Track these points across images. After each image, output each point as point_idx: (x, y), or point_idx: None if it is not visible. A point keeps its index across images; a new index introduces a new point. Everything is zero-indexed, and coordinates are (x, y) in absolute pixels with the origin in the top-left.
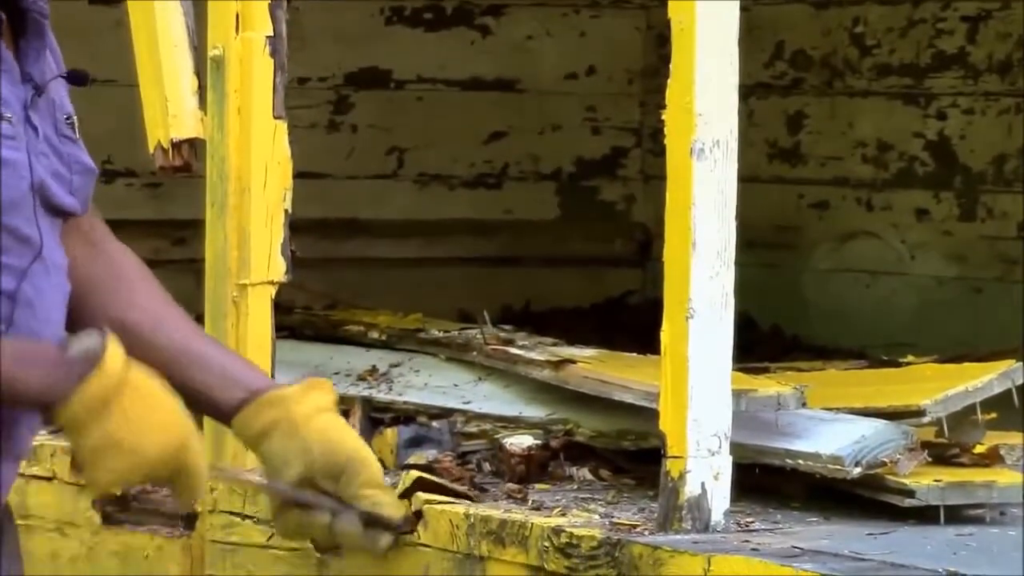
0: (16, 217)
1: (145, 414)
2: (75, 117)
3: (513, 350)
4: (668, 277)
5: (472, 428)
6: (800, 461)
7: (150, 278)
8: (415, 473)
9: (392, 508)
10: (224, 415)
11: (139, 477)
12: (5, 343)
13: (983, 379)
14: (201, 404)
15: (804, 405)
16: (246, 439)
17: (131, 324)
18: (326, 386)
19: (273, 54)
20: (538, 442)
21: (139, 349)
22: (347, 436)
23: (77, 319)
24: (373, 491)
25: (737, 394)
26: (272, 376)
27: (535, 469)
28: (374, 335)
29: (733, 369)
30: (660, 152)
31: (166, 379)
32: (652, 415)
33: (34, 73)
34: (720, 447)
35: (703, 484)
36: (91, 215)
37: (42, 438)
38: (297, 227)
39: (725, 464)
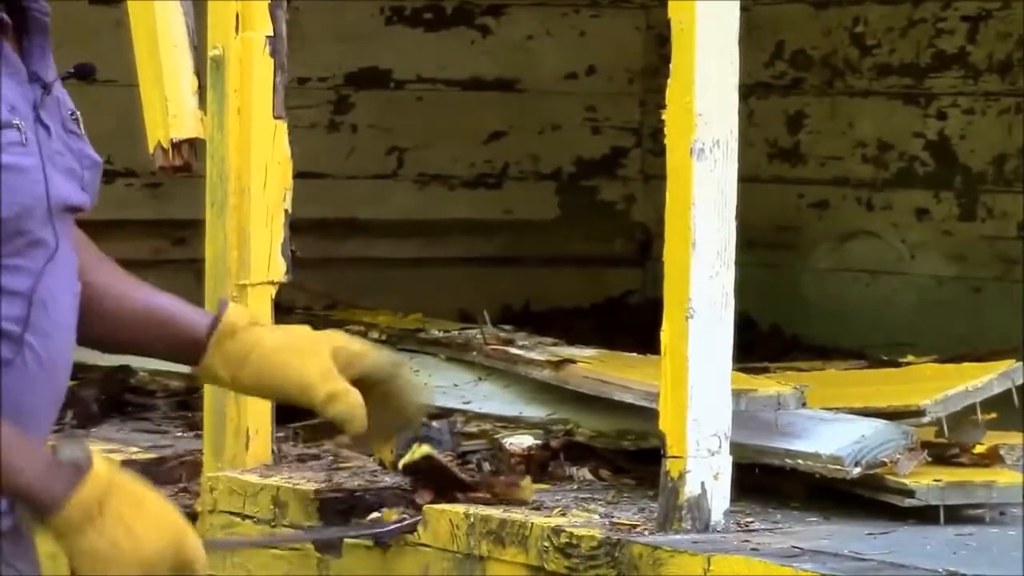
0: (31, 221)
1: (138, 515)
2: (78, 112)
3: (513, 350)
4: (668, 277)
5: (472, 428)
6: (800, 461)
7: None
8: (426, 448)
9: (349, 413)
10: (192, 363)
11: None
12: (5, 430)
13: (983, 379)
14: (170, 356)
15: (804, 405)
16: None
17: (100, 285)
18: (240, 311)
19: (273, 54)
20: (538, 442)
21: (110, 309)
22: (278, 369)
23: None
24: (337, 408)
25: (737, 394)
26: None
27: (535, 469)
28: (374, 335)
29: (733, 369)
30: (660, 152)
31: (135, 335)
32: (652, 415)
33: (40, 72)
34: (720, 447)
35: (703, 484)
36: None
37: None
38: (297, 227)
39: (725, 464)
